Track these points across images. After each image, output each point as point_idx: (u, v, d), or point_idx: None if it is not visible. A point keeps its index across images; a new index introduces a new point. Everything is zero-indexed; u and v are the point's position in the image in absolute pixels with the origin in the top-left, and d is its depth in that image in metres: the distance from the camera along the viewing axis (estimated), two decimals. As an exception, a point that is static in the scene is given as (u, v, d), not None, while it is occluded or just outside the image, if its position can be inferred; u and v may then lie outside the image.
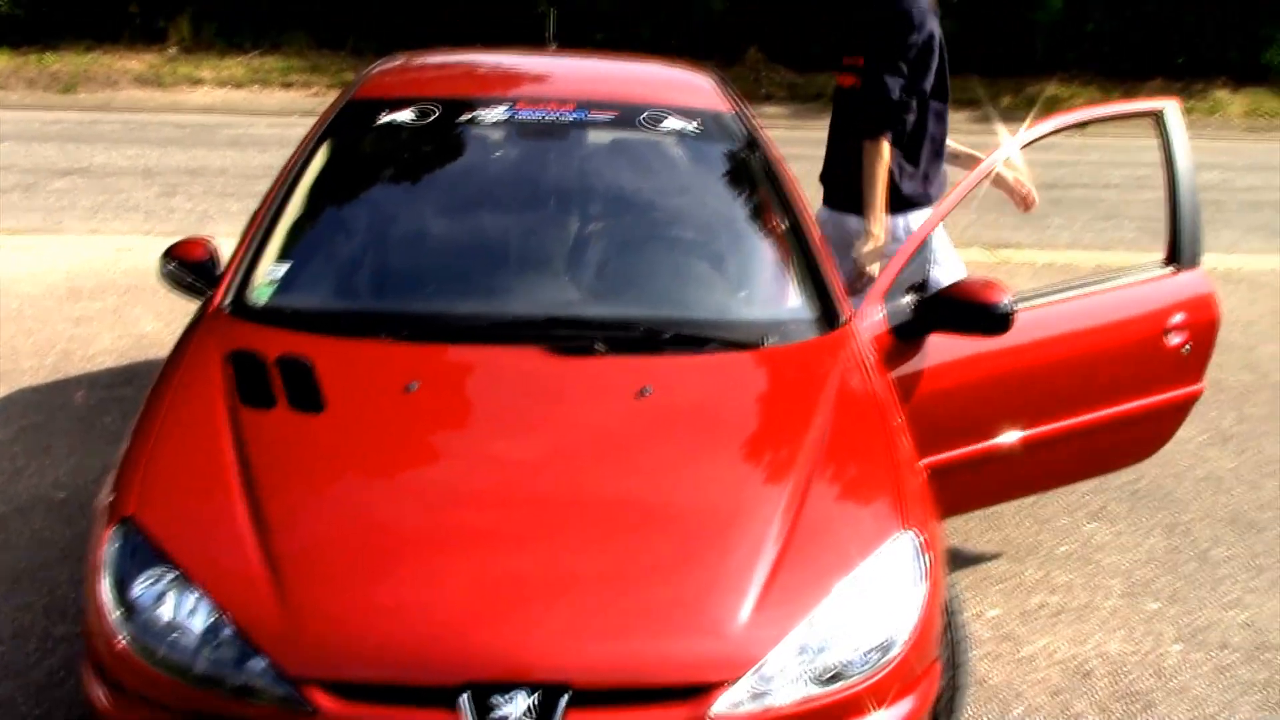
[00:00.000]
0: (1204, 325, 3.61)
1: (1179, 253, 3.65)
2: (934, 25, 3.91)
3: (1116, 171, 11.74)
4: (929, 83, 3.91)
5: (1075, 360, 3.46)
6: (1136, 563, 3.98)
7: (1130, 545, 4.11)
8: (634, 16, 15.81)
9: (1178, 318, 3.53)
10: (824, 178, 4.16)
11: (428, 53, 4.27)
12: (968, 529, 4.13)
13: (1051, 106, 15.76)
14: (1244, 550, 4.11)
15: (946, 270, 3.75)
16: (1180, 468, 4.72)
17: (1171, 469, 4.69)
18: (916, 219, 3.87)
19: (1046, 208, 9.64)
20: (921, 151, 3.96)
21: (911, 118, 3.89)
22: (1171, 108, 3.73)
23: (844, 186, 3.95)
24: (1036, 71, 16.41)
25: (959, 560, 3.89)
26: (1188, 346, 3.55)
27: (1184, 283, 3.62)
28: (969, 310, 3.05)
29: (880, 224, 3.78)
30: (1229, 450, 4.95)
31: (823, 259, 3.14)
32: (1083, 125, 3.83)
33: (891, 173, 3.85)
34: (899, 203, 3.89)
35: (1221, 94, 16.26)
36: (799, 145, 12.43)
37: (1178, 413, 3.74)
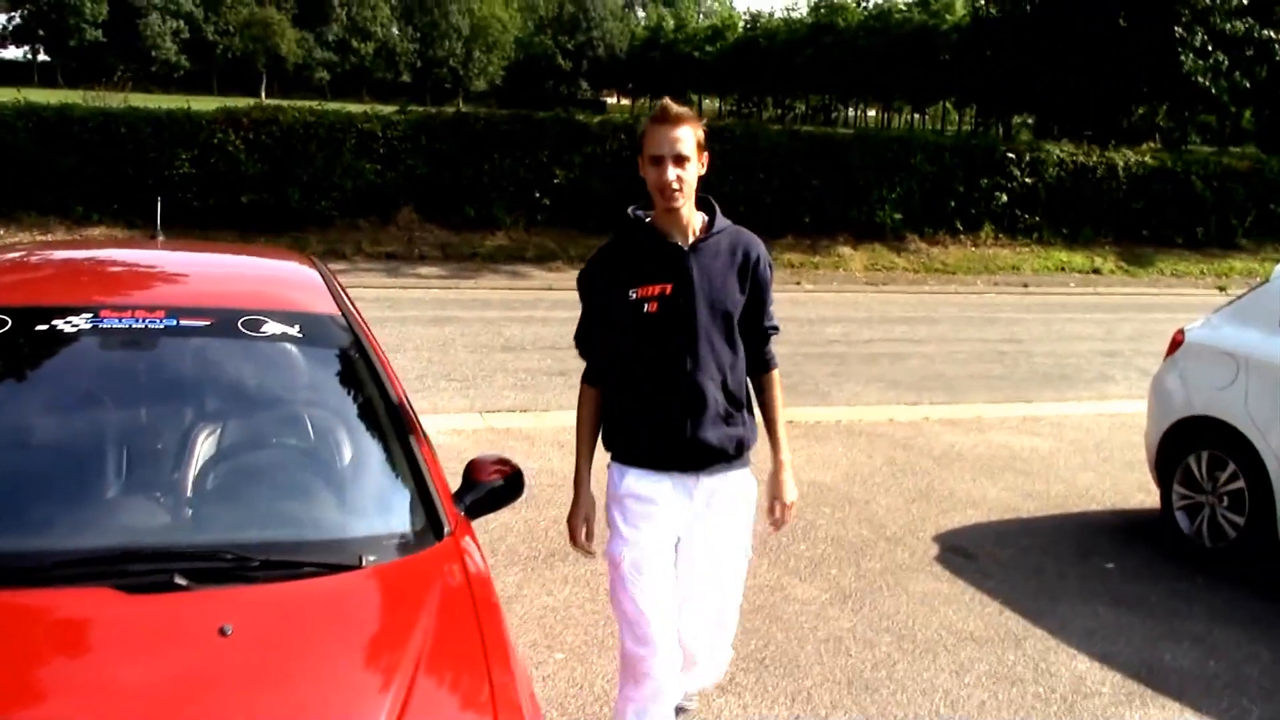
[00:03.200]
0: None
1: None
2: None
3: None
4: None
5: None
6: (763, 736, 4.07)
7: (756, 717, 4.21)
8: (282, 178, 15.59)
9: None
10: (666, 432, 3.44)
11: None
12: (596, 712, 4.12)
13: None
14: (860, 713, 4.30)
15: None
16: (804, 630, 4.92)
17: (796, 632, 4.88)
18: None
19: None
20: None
21: None
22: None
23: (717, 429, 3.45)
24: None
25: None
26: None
27: None
28: (490, 488, 3.21)
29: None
30: (848, 609, 5.21)
31: (428, 466, 3.10)
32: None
33: None
34: None
35: (844, 249, 17.65)
36: (453, 307, 12.62)
37: None
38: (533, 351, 10.49)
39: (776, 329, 3.55)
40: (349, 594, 2.71)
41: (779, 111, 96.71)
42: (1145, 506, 6.75)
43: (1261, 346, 5.89)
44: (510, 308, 12.75)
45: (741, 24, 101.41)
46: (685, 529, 3.47)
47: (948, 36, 57.90)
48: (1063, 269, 18.20)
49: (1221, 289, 17.33)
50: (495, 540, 5.60)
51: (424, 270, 15.23)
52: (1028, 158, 18.86)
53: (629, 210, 3.45)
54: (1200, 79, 20.42)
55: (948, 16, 63.34)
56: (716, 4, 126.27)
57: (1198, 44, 20.35)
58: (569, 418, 8.29)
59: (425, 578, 2.79)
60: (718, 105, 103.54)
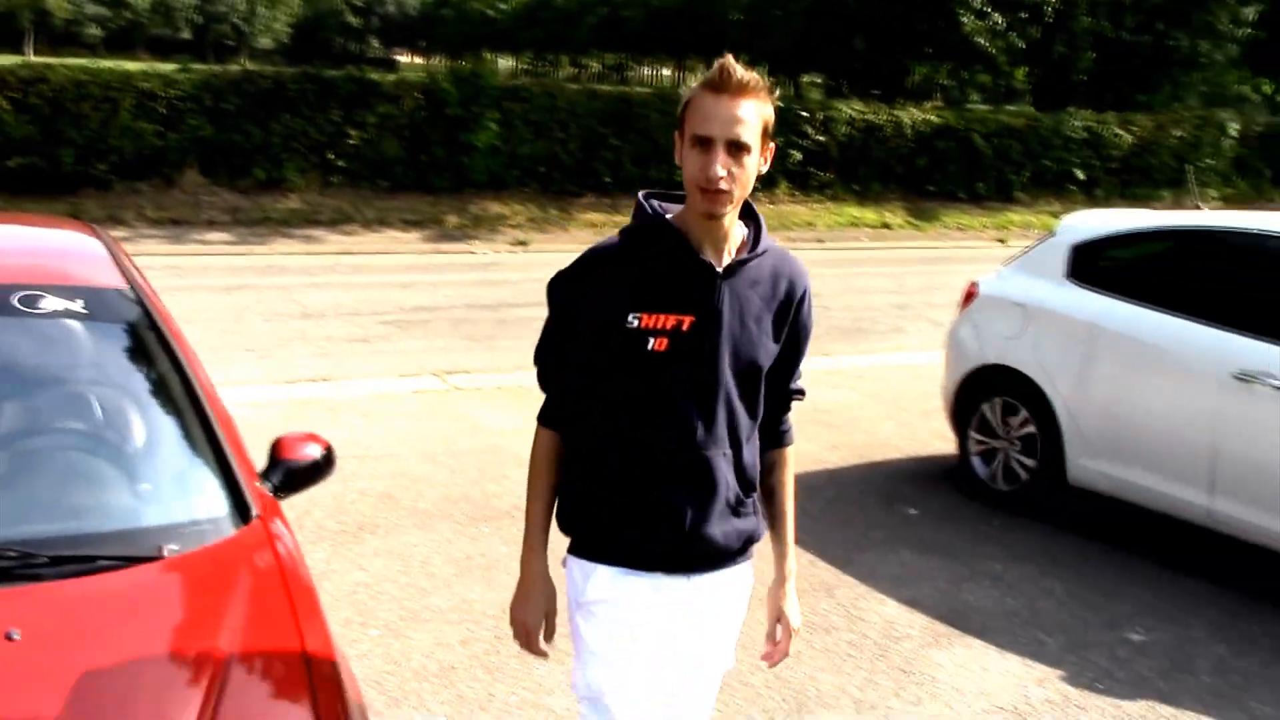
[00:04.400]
0: None
1: None
2: None
3: (540, 291, 12.31)
4: None
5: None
6: None
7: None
8: (53, 140, 14.66)
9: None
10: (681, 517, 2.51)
11: None
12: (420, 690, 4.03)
13: (496, 224, 16.46)
14: (683, 671, 4.32)
15: None
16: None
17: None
18: None
19: (494, 329, 10.05)
20: None
21: None
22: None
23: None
24: (478, 189, 17.07)
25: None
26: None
27: None
28: (297, 466, 3.06)
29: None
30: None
31: (230, 446, 2.92)
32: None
33: None
34: None
35: (645, 209, 17.72)
36: (246, 274, 12.13)
37: None
38: (332, 318, 10.18)
39: (803, 393, 2.70)
40: (149, 587, 2.53)
41: (575, 71, 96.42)
42: (944, 453, 7.00)
43: (1047, 297, 6.16)
44: (307, 273, 12.33)
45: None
46: (665, 630, 2.56)
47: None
48: (855, 224, 18.75)
49: (1001, 241, 18.16)
50: (301, 515, 5.40)
51: (212, 236, 14.59)
52: (820, 116, 19.30)
53: (643, 199, 2.48)
54: (979, 39, 21.29)
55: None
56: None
57: (976, 5, 21.19)
58: (373, 386, 8.18)
59: (232, 565, 2.64)
60: (513, 64, 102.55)
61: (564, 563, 2.58)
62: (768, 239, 2.47)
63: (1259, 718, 4.16)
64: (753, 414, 2.52)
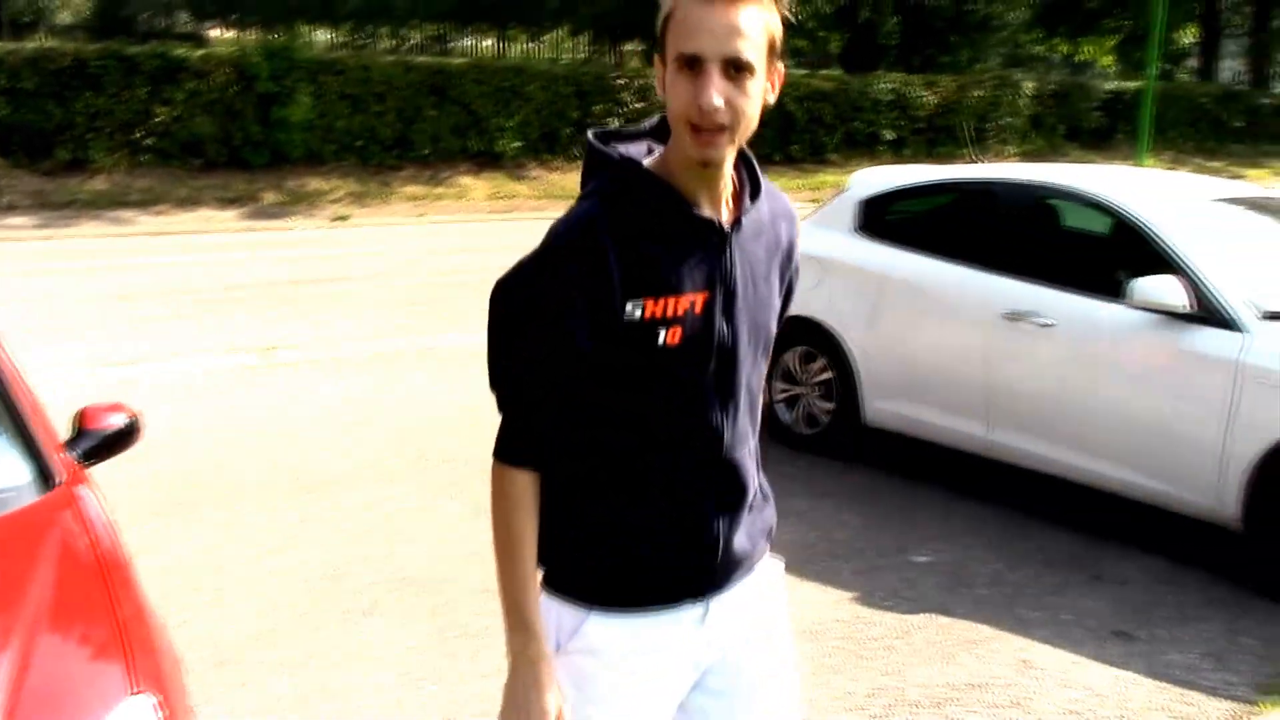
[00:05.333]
0: None
1: None
2: None
3: (362, 264, 12.33)
4: None
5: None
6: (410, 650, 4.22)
7: (402, 635, 4.35)
8: None
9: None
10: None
11: None
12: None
13: (315, 200, 16.28)
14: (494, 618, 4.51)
15: None
16: (449, 547, 5.09)
17: (441, 549, 5.04)
18: None
19: (316, 304, 10.02)
20: None
21: None
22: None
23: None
24: (295, 165, 16.84)
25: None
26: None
27: None
28: (102, 434, 3.15)
29: None
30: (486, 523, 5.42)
31: (29, 413, 2.99)
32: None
33: None
34: None
35: (466, 180, 17.76)
36: (55, 258, 11.77)
37: None
38: (148, 299, 10.01)
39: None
40: (-46, 550, 2.61)
41: (395, 42, 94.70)
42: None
43: (841, 250, 6.53)
44: (119, 255, 12.04)
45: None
46: (696, 670, 2.07)
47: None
48: (676, 190, 19.10)
49: (815, 201, 18.75)
50: (129, 490, 5.38)
51: (15, 221, 14.08)
52: (637, 84, 19.59)
53: (600, 143, 1.92)
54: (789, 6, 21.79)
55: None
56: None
57: (782, -28, 21.66)
58: (193, 363, 8.12)
59: (36, 530, 2.72)
60: (330, 37, 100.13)
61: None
62: (763, 178, 1.98)
63: (1025, 620, 4.59)
64: (759, 392, 2.06)
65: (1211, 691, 4.09)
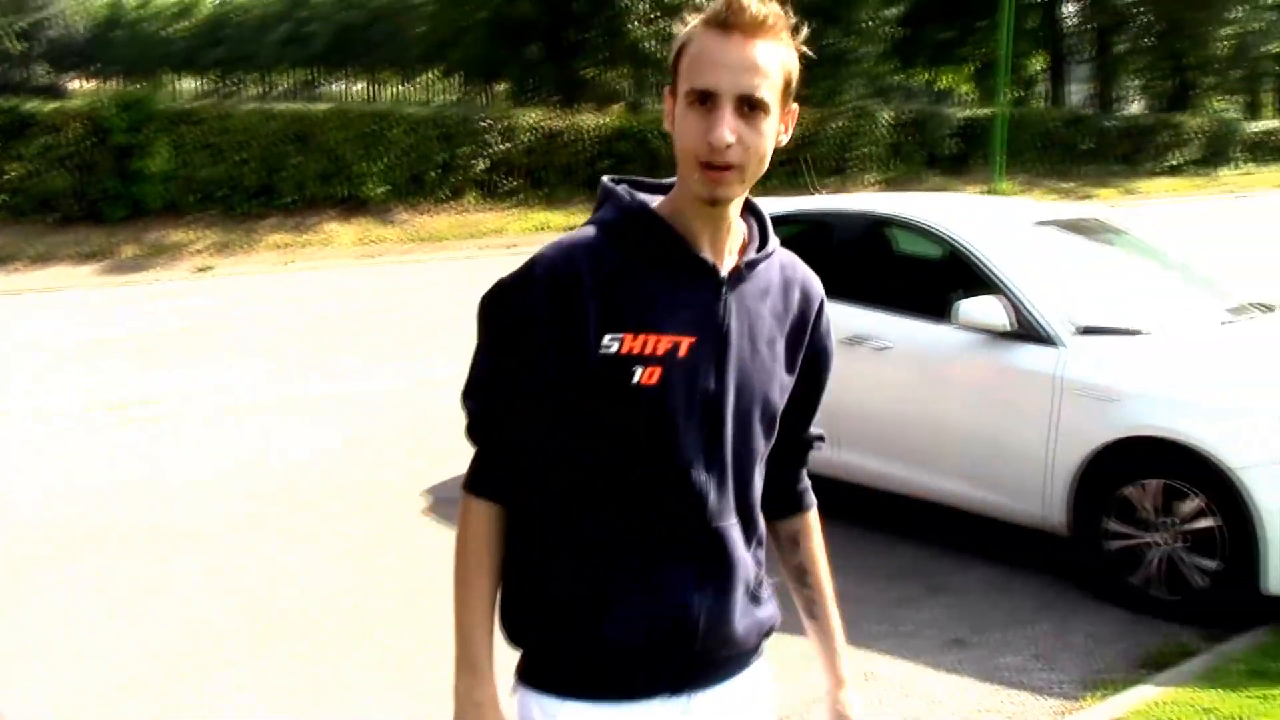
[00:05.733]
0: None
1: None
2: None
3: (224, 314, 12.20)
4: None
5: None
6: None
7: (262, 680, 4.33)
8: None
9: None
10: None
11: None
12: None
13: (177, 251, 16.03)
14: (367, 658, 4.54)
15: None
16: (310, 590, 5.08)
17: (302, 593, 5.03)
18: None
19: (175, 356, 9.86)
20: None
21: None
22: None
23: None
24: (155, 217, 16.58)
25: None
26: None
27: None
28: None
29: None
30: (348, 567, 5.43)
31: None
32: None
33: None
34: None
35: (332, 226, 17.66)
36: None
37: None
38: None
39: (823, 439, 2.06)
40: None
41: (264, 89, 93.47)
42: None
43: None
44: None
45: (210, 0, 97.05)
46: None
47: (423, 8, 58.58)
48: (544, 228, 19.22)
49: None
50: (-40, 561, 5.29)
51: None
52: (502, 124, 19.70)
53: (613, 183, 1.87)
54: (647, 45, 22.26)
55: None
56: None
57: (642, 13, 22.13)
58: (46, 421, 7.96)
59: None
60: (195, 85, 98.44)
61: (512, 691, 1.86)
62: (774, 239, 1.89)
63: (869, 634, 4.73)
64: (759, 466, 1.89)
65: (1039, 690, 4.29)
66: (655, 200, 1.83)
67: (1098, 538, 5.02)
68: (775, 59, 1.70)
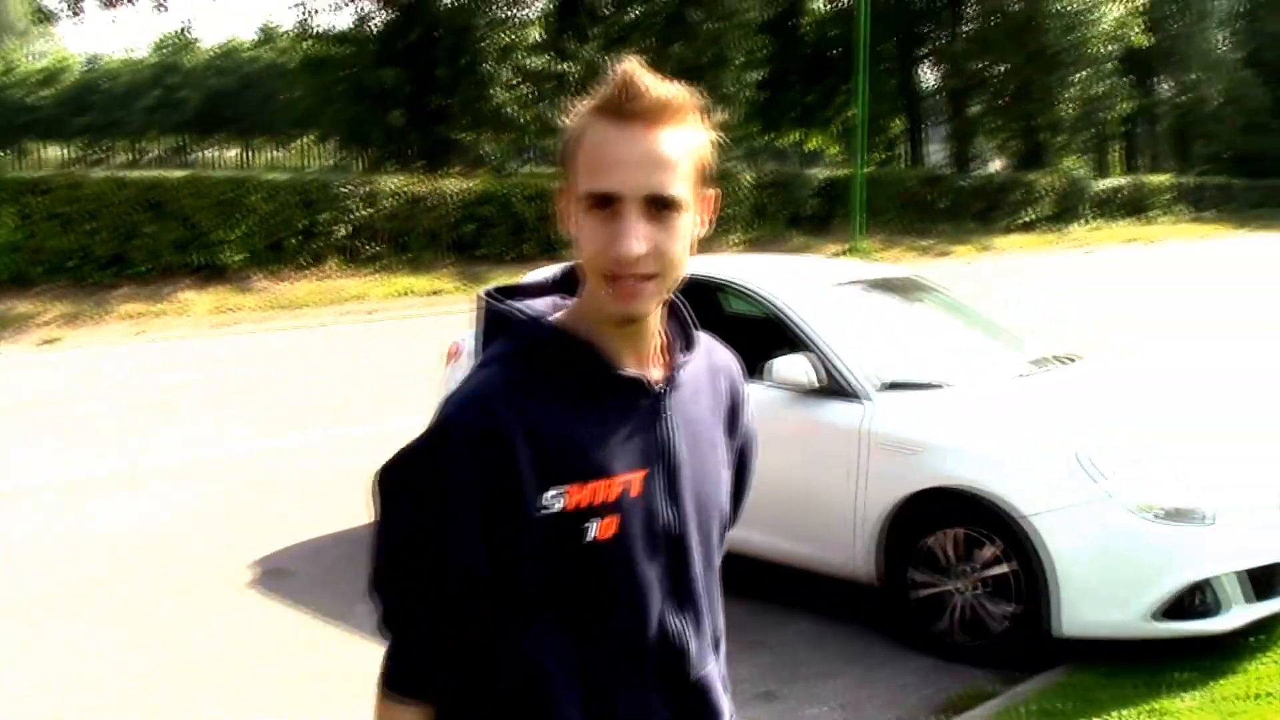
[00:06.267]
0: None
1: None
2: None
3: (67, 387, 11.88)
4: None
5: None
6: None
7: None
8: None
9: None
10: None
11: None
12: None
13: (21, 324, 15.58)
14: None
15: None
16: (105, 675, 4.95)
17: (97, 679, 4.91)
18: None
19: (13, 430, 9.52)
20: None
21: None
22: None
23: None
24: (4, 288, 16.14)
25: None
26: None
27: None
28: None
29: None
30: (150, 649, 5.31)
31: None
32: None
33: None
34: None
35: (188, 295, 17.35)
36: None
37: None
38: None
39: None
40: None
41: (133, 156, 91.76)
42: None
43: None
44: None
45: (79, 66, 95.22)
46: None
47: (293, 75, 58.39)
48: (407, 293, 19.17)
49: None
50: None
51: None
52: (364, 190, 19.64)
53: (500, 302, 1.61)
54: (510, 110, 22.46)
55: (296, 54, 63.75)
56: (48, 45, 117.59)
57: (504, 79, 22.35)
58: None
59: None
60: (63, 153, 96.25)
61: None
62: (697, 328, 1.69)
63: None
64: (719, 588, 1.72)
65: (840, 740, 4.39)
66: (546, 305, 1.59)
67: (904, 587, 5.17)
68: (684, 147, 1.47)
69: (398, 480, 1.54)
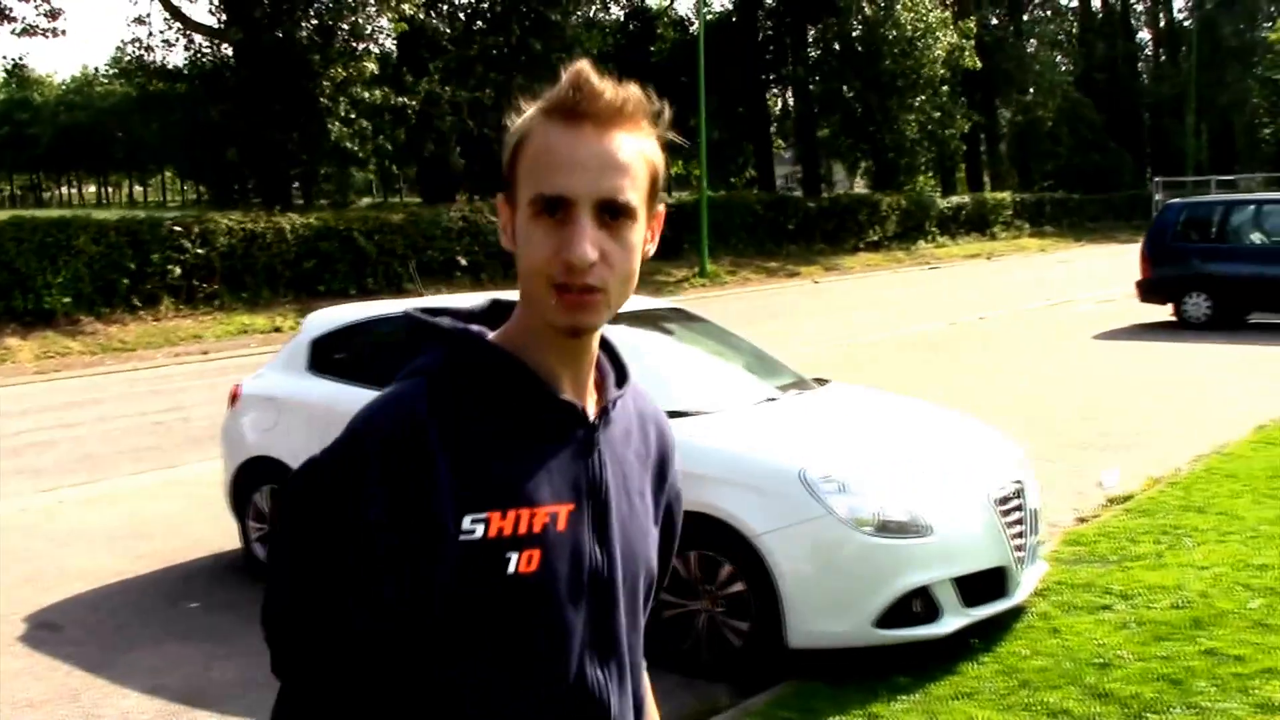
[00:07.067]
0: None
1: None
2: None
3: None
4: None
5: None
6: None
7: None
8: None
9: None
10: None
11: None
12: None
13: None
14: None
15: None
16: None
17: None
18: None
19: None
20: None
21: None
22: None
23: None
24: None
25: None
26: None
27: None
28: None
29: None
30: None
31: None
32: None
33: None
34: None
35: (12, 341, 16.93)
36: None
37: None
38: None
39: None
40: None
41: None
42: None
43: (294, 388, 6.83)
44: None
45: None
46: None
47: (139, 112, 57.17)
48: (246, 331, 18.95)
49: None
50: None
51: None
52: (196, 230, 19.38)
53: (430, 318, 1.51)
54: (348, 144, 22.44)
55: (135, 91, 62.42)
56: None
57: (342, 113, 22.33)
58: None
59: None
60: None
61: None
62: (626, 363, 1.58)
63: None
64: (641, 651, 1.58)
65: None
66: (475, 329, 1.47)
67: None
68: (638, 153, 1.40)
69: (302, 492, 1.40)
